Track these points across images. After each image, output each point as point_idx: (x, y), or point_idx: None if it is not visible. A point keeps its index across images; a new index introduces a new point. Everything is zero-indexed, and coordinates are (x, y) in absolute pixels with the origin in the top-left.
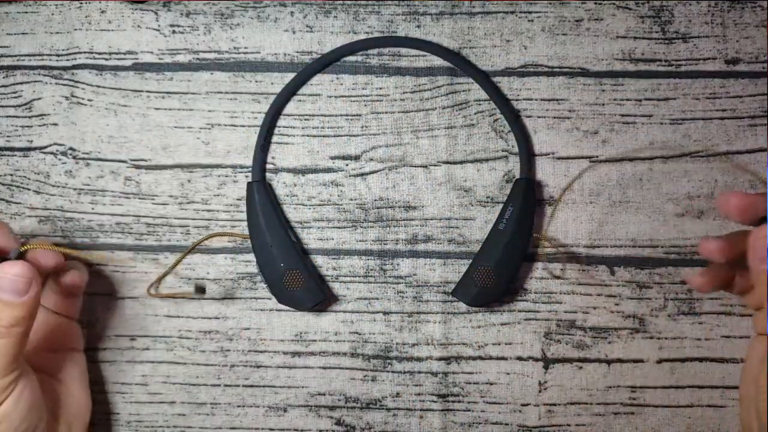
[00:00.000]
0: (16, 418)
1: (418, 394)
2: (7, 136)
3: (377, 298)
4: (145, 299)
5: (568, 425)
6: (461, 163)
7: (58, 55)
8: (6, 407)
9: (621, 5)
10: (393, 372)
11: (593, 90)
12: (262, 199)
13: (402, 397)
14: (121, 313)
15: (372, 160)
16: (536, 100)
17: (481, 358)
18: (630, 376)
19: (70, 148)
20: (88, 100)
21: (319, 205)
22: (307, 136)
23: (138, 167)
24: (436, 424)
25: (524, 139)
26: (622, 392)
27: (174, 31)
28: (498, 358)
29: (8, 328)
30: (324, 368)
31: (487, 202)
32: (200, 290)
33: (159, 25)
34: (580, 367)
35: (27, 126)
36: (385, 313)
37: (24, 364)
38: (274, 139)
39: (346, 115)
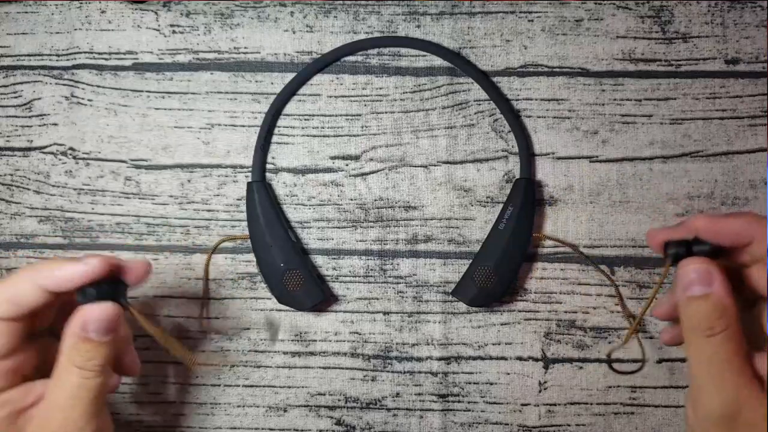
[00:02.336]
0: None
1: (418, 394)
2: (7, 136)
3: (377, 298)
4: (144, 299)
5: (568, 425)
6: (461, 163)
7: (58, 55)
8: None
9: (621, 5)
10: (393, 372)
11: (593, 90)
12: (262, 199)
13: (402, 397)
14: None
15: (372, 160)
16: (536, 100)
17: (481, 358)
18: (630, 376)
19: (70, 148)
20: (88, 100)
21: (319, 205)
22: (307, 136)
23: (138, 167)
24: (436, 424)
25: (524, 139)
26: (622, 392)
27: (174, 31)
28: (498, 358)
29: (103, 366)
30: (324, 368)
31: (487, 202)
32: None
33: (159, 25)
34: (580, 367)
35: (27, 126)
36: (385, 313)
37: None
38: (274, 139)
39: (346, 115)
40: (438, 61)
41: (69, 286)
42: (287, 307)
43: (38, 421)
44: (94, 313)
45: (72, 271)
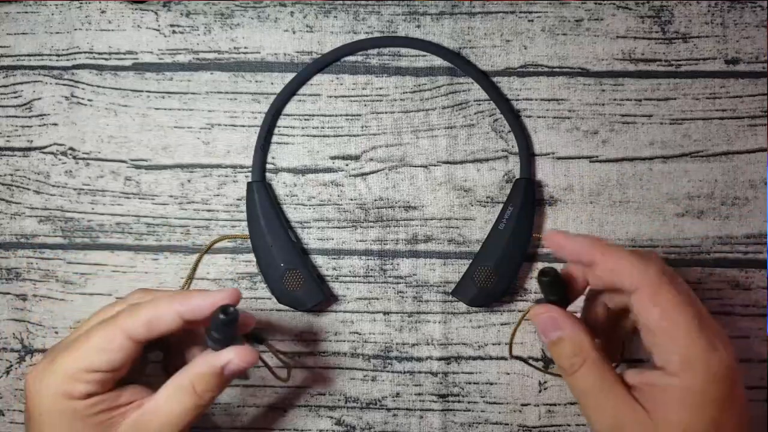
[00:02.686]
0: None
1: (418, 394)
2: (7, 136)
3: (377, 298)
4: None
5: (568, 425)
6: (461, 163)
7: (58, 55)
8: None
9: (621, 5)
10: (393, 372)
11: (593, 90)
12: (262, 199)
13: (402, 397)
14: None
15: (372, 160)
16: (536, 100)
17: (481, 358)
18: None
19: (70, 148)
20: (88, 100)
21: (319, 205)
22: (307, 136)
23: (138, 167)
24: (436, 424)
25: (524, 139)
26: None
27: (174, 31)
28: (498, 358)
29: (214, 398)
30: (324, 368)
31: (487, 202)
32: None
33: (159, 25)
34: None
35: (27, 126)
36: (385, 313)
37: None
38: (274, 139)
39: (346, 115)
40: (438, 61)
41: (202, 316)
42: (287, 307)
43: (136, 422)
44: (246, 357)
45: (212, 301)
